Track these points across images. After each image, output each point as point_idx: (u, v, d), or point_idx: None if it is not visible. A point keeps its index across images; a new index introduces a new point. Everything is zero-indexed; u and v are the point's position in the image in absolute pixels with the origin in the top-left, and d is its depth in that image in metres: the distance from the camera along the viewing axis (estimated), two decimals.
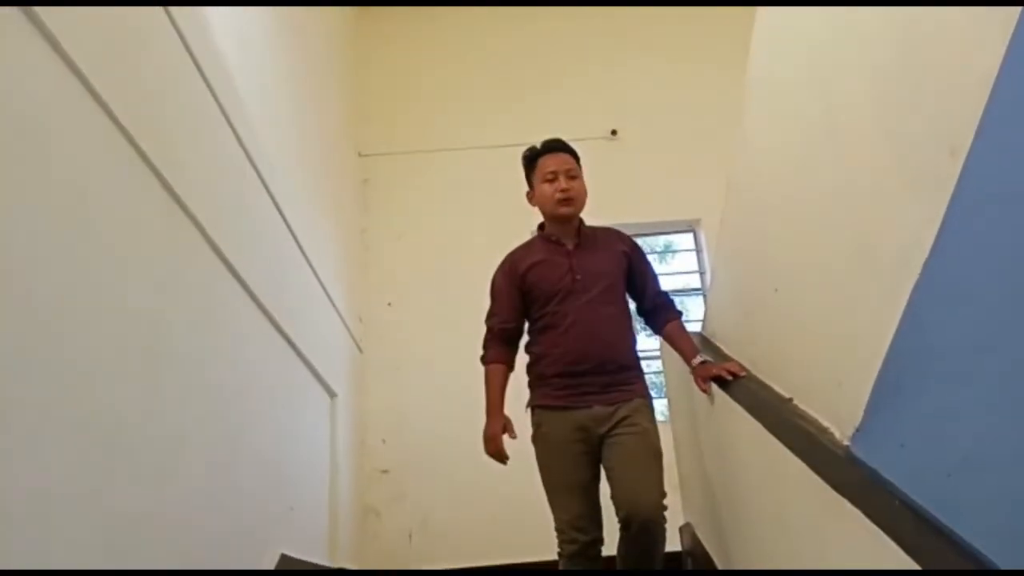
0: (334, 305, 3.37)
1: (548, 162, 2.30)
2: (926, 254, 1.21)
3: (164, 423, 1.64)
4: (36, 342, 1.20)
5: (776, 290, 1.93)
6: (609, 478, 2.11)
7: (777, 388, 1.92)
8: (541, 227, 2.40)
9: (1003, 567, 1.20)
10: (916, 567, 1.15)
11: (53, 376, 1.24)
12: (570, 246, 2.28)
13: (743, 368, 2.04)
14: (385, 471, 3.83)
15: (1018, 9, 0.97)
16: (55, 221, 1.29)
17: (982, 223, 1.17)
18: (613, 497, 2.06)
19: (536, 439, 2.21)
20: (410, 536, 3.73)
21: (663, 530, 2.04)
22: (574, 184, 2.28)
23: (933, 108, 1.16)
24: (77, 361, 1.31)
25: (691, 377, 2.34)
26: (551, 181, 2.27)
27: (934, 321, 1.31)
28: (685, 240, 4.38)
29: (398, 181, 4.39)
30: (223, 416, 1.99)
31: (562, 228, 2.31)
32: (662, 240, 4.55)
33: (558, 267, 2.23)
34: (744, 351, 2.21)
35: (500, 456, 2.20)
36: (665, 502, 2.06)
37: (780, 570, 1.70)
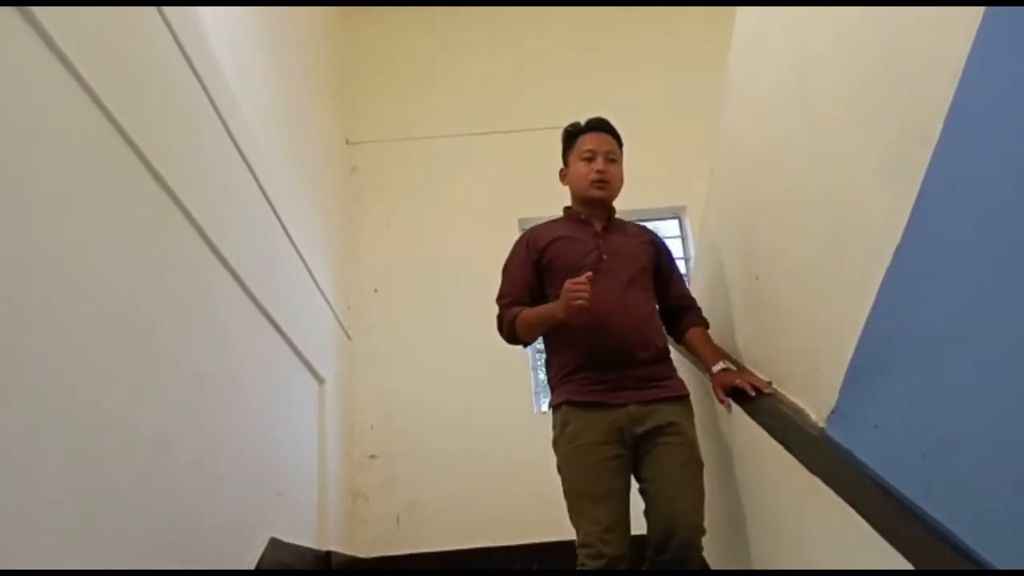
0: (322, 292, 3.38)
1: (588, 140, 2.16)
2: (897, 240, 1.25)
3: (153, 410, 1.66)
4: (25, 332, 1.22)
5: (757, 278, 1.97)
6: (644, 492, 1.92)
7: (758, 373, 1.97)
8: (568, 209, 2.23)
9: (972, 546, 1.23)
10: (885, 543, 1.19)
11: (43, 365, 1.26)
12: (599, 227, 2.13)
13: (767, 383, 1.84)
14: (373, 456, 3.86)
15: (982, 9, 1.00)
16: (44, 210, 1.31)
17: (951, 210, 1.20)
18: (648, 515, 1.89)
19: (560, 441, 1.96)
20: (398, 520, 3.77)
21: (699, 556, 1.88)
22: (611, 168, 2.14)
23: (905, 99, 1.19)
24: (66, 350, 1.33)
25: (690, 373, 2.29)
26: (588, 160, 2.12)
27: (906, 306, 1.35)
28: (671, 227, 4.42)
29: (386, 169, 4.39)
30: (212, 403, 2.01)
31: (592, 210, 2.15)
32: (650, 226, 4.58)
33: (584, 244, 2.07)
34: (726, 336, 2.25)
35: (583, 287, 1.82)
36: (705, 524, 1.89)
37: (781, 570, 1.71)
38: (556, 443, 1.97)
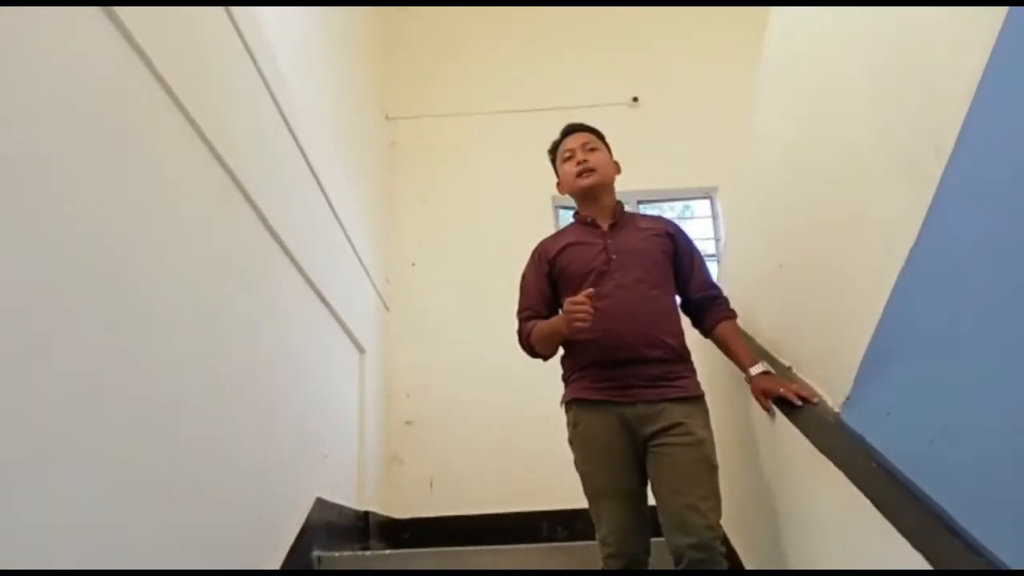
0: (363, 265, 3.53)
1: (566, 143, 2.19)
2: (912, 242, 1.34)
3: (217, 377, 1.82)
4: (119, 302, 1.38)
5: (780, 265, 2.06)
6: (655, 495, 1.85)
7: (778, 357, 2.06)
8: (577, 214, 2.21)
9: (973, 528, 1.31)
10: (888, 524, 1.30)
11: (131, 335, 1.42)
12: (605, 226, 2.10)
13: (814, 393, 1.75)
14: (409, 423, 4.03)
15: (999, 26, 1.07)
16: (129, 194, 1.45)
17: (963, 215, 1.29)
18: (660, 521, 1.82)
19: (574, 440, 1.96)
20: (431, 484, 3.95)
21: (721, 562, 1.75)
22: (592, 155, 2.12)
23: (922, 111, 1.27)
24: (153, 324, 1.49)
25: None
26: (570, 159, 2.15)
27: (919, 303, 1.44)
28: (702, 207, 4.48)
29: (423, 145, 4.50)
30: (269, 371, 2.18)
31: (594, 207, 2.13)
32: (679, 204, 4.64)
33: (591, 247, 2.05)
34: (750, 319, 2.34)
35: (584, 308, 1.80)
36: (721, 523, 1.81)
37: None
38: (571, 442, 1.97)
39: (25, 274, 1.14)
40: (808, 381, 1.87)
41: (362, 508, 3.20)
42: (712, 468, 1.84)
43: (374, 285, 3.78)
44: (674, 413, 1.86)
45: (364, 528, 3.18)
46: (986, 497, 1.81)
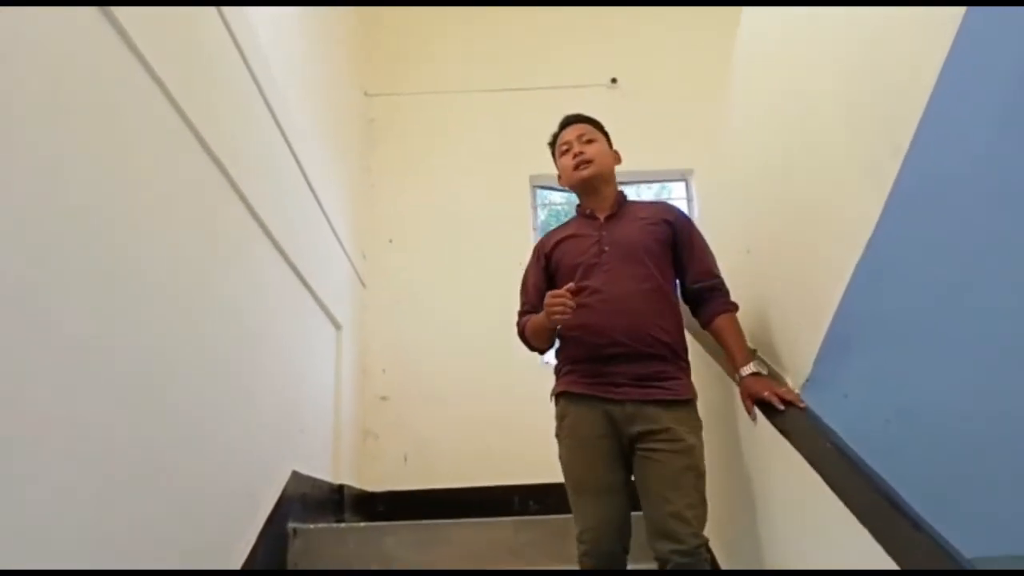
0: (340, 241, 3.54)
1: (563, 136, 2.14)
2: (869, 233, 1.41)
3: (204, 352, 1.86)
4: (106, 279, 1.41)
5: (748, 251, 2.13)
6: (641, 500, 1.83)
7: (749, 341, 2.13)
8: (579, 206, 2.16)
9: (921, 507, 1.38)
10: (838, 500, 1.37)
11: (115, 310, 1.45)
12: (602, 218, 2.05)
13: (800, 399, 1.73)
14: (384, 398, 4.08)
15: (953, 34, 1.13)
16: (120, 181, 1.48)
17: (917, 211, 1.35)
18: (646, 526, 1.80)
19: (560, 434, 1.93)
20: (405, 458, 4.01)
21: (705, 565, 1.74)
22: (589, 147, 2.07)
23: (884, 111, 1.33)
24: (138, 299, 1.52)
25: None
26: (567, 152, 2.10)
27: (875, 290, 1.52)
28: (677, 189, 4.55)
29: (402, 122, 4.50)
30: (248, 347, 2.21)
31: (594, 199, 2.09)
32: (656, 186, 4.70)
33: (585, 240, 2.01)
34: None
35: (561, 301, 1.79)
36: (706, 532, 1.78)
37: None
38: (557, 436, 1.94)
39: (13, 249, 1.17)
40: (772, 364, 1.94)
41: (337, 481, 3.25)
42: (700, 476, 1.80)
43: (351, 262, 3.81)
44: (663, 418, 1.81)
45: (339, 501, 3.24)
46: (936, 478, 1.91)
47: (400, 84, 4.53)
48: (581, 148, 2.07)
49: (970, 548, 2.39)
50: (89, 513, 1.35)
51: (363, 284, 4.11)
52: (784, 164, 1.86)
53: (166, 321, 1.67)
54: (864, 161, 1.41)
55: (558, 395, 1.96)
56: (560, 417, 1.94)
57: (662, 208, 2.12)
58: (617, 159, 2.15)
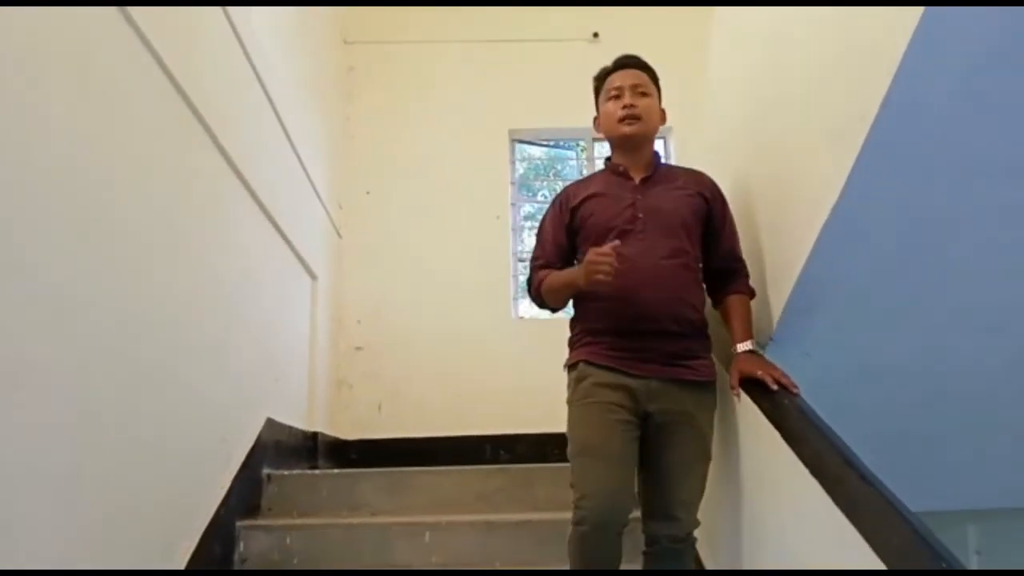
0: (316, 191, 3.52)
1: (615, 78, 1.94)
2: (836, 198, 1.45)
3: (179, 298, 1.87)
4: (85, 226, 1.41)
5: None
6: (648, 479, 1.78)
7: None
8: (608, 160, 2.01)
9: (873, 462, 1.44)
10: (792, 453, 1.44)
11: (96, 259, 1.46)
12: (637, 179, 1.90)
13: (795, 383, 1.66)
14: (359, 348, 4.11)
15: (920, 11, 1.15)
16: (96, 126, 1.47)
17: (882, 177, 1.40)
18: (644, 502, 1.78)
19: (574, 397, 1.80)
20: (379, 407, 4.06)
21: (692, 551, 1.79)
22: (642, 101, 1.90)
23: (853, 80, 1.36)
24: (114, 247, 1.53)
25: None
26: (616, 99, 1.91)
27: (839, 253, 1.57)
28: (656, 147, 4.55)
29: (382, 71, 4.43)
30: (222, 296, 2.22)
31: (630, 157, 1.93)
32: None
33: (618, 201, 1.86)
34: None
35: (609, 260, 1.65)
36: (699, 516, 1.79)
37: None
38: (569, 401, 1.82)
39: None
40: None
41: (311, 429, 3.29)
42: (708, 461, 1.79)
43: (327, 212, 3.79)
44: (686, 401, 1.75)
45: (313, 448, 3.29)
46: (889, 434, 2.00)
47: (380, 32, 4.45)
48: (633, 100, 1.89)
49: (917, 502, 2.52)
50: (66, 456, 1.38)
51: (339, 235, 4.10)
52: (757, 129, 1.89)
53: (139, 269, 1.68)
54: (832, 127, 1.44)
55: (576, 363, 1.83)
56: (577, 380, 1.80)
57: (699, 178, 1.96)
58: (663, 118, 1.99)
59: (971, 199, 1.42)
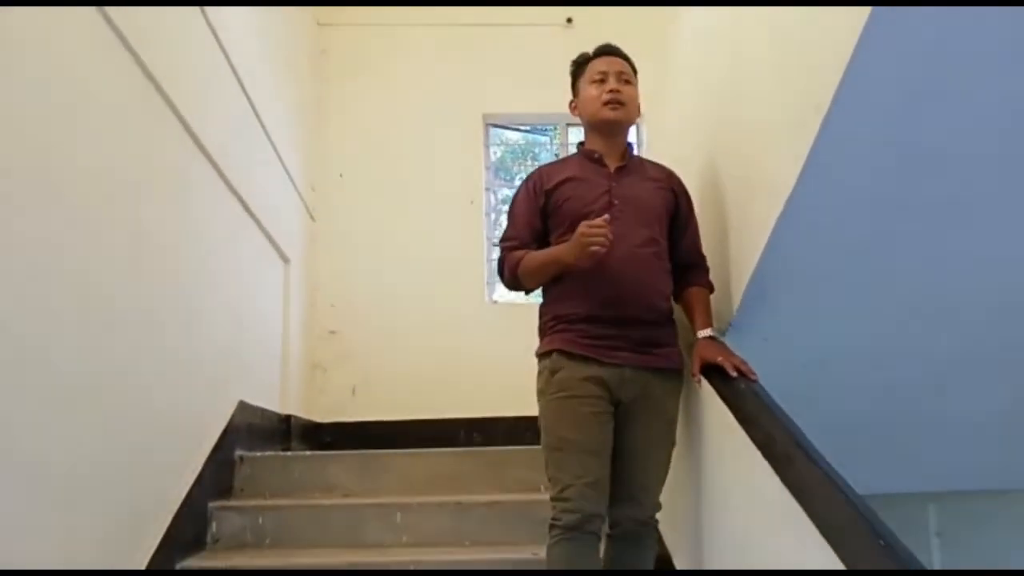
0: (288, 174, 3.52)
1: (599, 63, 1.94)
2: (791, 189, 1.49)
3: (143, 283, 1.88)
4: (51, 206, 1.42)
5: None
6: (616, 462, 1.77)
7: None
8: (581, 144, 2.01)
9: (826, 445, 1.49)
10: (746, 436, 1.49)
11: (59, 237, 1.47)
12: (612, 168, 1.91)
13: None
14: (333, 332, 4.12)
15: (869, 9, 1.19)
16: (65, 119, 1.47)
17: (834, 168, 1.44)
18: (616, 487, 1.77)
19: (547, 390, 1.79)
20: (353, 390, 4.08)
21: (653, 535, 1.84)
22: (626, 88, 1.91)
23: (808, 71, 1.40)
24: (78, 233, 1.54)
25: None
26: (600, 83, 1.91)
27: (795, 243, 1.62)
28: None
29: (356, 54, 4.41)
30: (194, 281, 2.24)
31: (607, 143, 1.94)
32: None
33: (594, 187, 1.87)
34: None
35: (602, 232, 1.66)
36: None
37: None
38: (542, 392, 1.81)
39: None
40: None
41: (284, 412, 3.32)
42: (672, 446, 1.84)
43: (300, 195, 3.79)
44: (655, 387, 1.79)
45: (286, 431, 3.31)
46: (848, 415, 2.07)
47: (354, 15, 4.42)
48: (618, 86, 1.90)
49: (878, 485, 2.61)
50: (37, 444, 1.40)
51: (312, 218, 4.10)
52: (719, 119, 1.93)
53: (104, 254, 1.69)
54: (790, 119, 1.48)
55: (548, 352, 1.82)
56: (550, 372, 1.79)
57: (670, 175, 2.00)
58: (638, 111, 2.00)
59: (921, 191, 1.47)
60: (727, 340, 1.85)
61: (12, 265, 1.34)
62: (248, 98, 2.81)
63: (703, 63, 2.09)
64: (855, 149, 1.40)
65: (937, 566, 2.98)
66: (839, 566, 1.10)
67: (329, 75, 4.39)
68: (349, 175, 4.31)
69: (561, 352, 1.79)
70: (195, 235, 2.26)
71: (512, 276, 1.90)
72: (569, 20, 4.48)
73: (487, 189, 4.44)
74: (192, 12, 2.26)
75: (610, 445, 1.76)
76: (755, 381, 1.67)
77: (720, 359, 1.73)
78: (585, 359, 1.76)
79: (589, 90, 1.93)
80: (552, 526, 1.69)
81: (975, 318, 1.86)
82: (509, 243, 1.93)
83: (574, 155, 2.02)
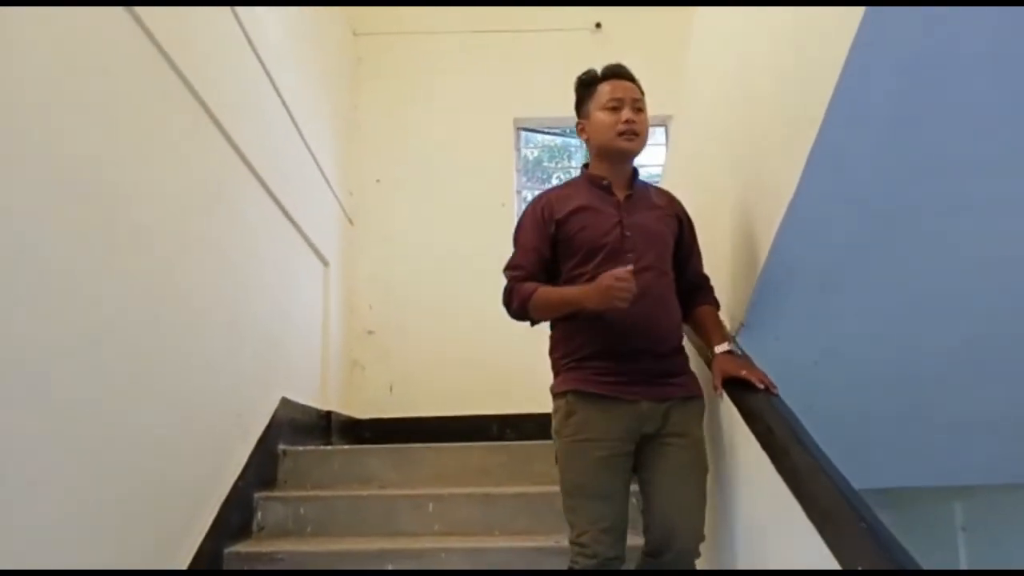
0: (327, 180, 3.68)
1: (611, 88, 1.88)
2: (791, 195, 1.57)
3: (193, 287, 2.04)
4: (108, 220, 1.57)
5: (701, 209, 2.29)
6: (645, 493, 1.77)
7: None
8: (586, 167, 1.97)
9: (829, 441, 1.56)
10: (747, 429, 1.58)
11: (113, 245, 1.62)
12: (621, 196, 1.87)
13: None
14: (371, 332, 4.28)
15: (856, 26, 1.27)
16: (112, 123, 1.63)
17: (832, 173, 1.52)
18: (645, 515, 1.76)
19: (562, 432, 1.77)
20: (391, 388, 4.24)
21: (693, 564, 1.76)
22: (640, 118, 1.87)
23: (803, 86, 1.48)
24: (132, 239, 1.69)
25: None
26: (614, 110, 1.85)
27: (798, 245, 1.69)
28: (659, 134, 4.65)
29: (390, 61, 4.57)
30: (237, 284, 2.39)
31: (615, 170, 1.90)
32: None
33: (606, 218, 1.83)
34: None
35: (629, 287, 1.62)
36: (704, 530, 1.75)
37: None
38: (558, 432, 1.79)
39: (26, 192, 1.33)
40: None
41: (325, 408, 3.48)
42: (705, 472, 1.78)
43: (338, 200, 3.95)
44: (677, 417, 1.75)
45: (326, 427, 3.47)
46: (859, 411, 2.13)
47: (388, 24, 4.57)
48: (634, 116, 1.85)
49: (901, 479, 2.64)
50: (97, 431, 1.55)
51: (350, 222, 4.26)
52: (726, 127, 2.01)
53: (156, 258, 1.85)
54: (788, 130, 1.56)
55: (564, 392, 1.79)
56: (566, 415, 1.76)
57: (671, 200, 1.99)
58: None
59: (915, 195, 1.53)
60: (739, 341, 1.93)
61: (75, 274, 1.49)
62: (288, 110, 2.96)
63: (716, 63, 2.17)
64: (852, 153, 1.47)
65: (963, 560, 3.01)
66: (824, 549, 1.18)
67: (364, 83, 4.55)
68: (385, 180, 4.46)
69: (576, 393, 1.76)
70: (239, 242, 2.41)
71: (521, 308, 1.83)
72: (598, 25, 4.56)
73: (518, 192, 4.55)
74: (233, 28, 2.41)
75: (626, 487, 1.75)
76: (776, 394, 1.66)
77: (744, 373, 1.72)
78: (601, 397, 1.73)
79: (602, 116, 1.87)
80: (571, 569, 1.71)
81: (982, 313, 1.90)
82: (516, 272, 1.87)
83: (579, 179, 1.97)
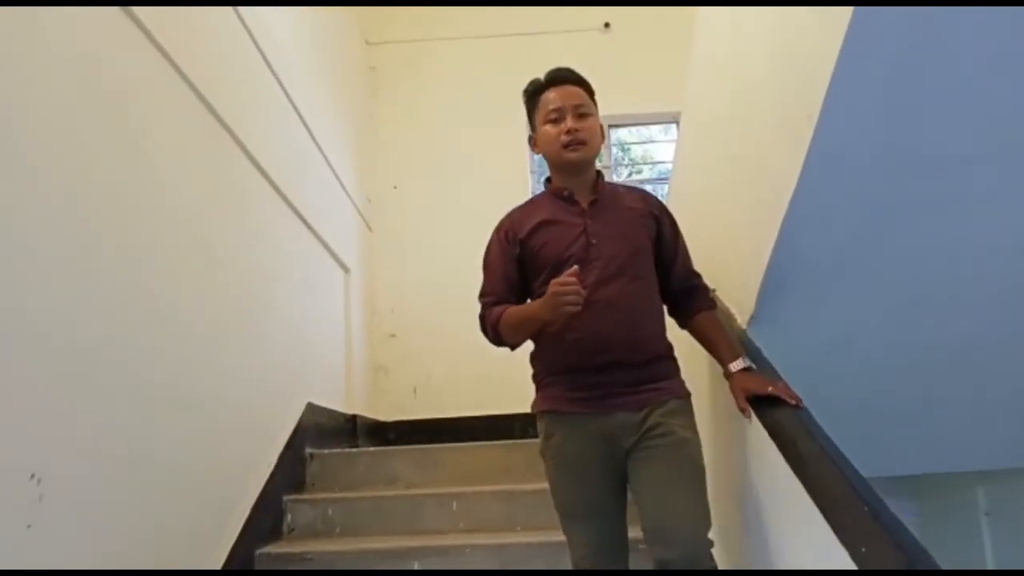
0: (344, 188, 3.76)
1: (551, 97, 1.81)
2: (792, 190, 1.61)
3: (216, 298, 2.12)
4: (127, 235, 1.65)
5: (706, 203, 2.33)
6: (636, 503, 1.66)
7: (707, 280, 2.36)
8: (548, 181, 1.90)
9: (846, 426, 1.60)
10: (757, 420, 1.62)
11: (147, 263, 1.70)
12: (584, 204, 1.80)
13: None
14: (393, 335, 4.36)
15: (849, 12, 1.30)
16: (131, 148, 1.70)
17: (831, 166, 1.55)
18: (644, 530, 1.64)
19: (545, 452, 1.75)
20: (414, 390, 4.31)
21: (712, 571, 1.61)
22: (584, 124, 1.78)
23: (800, 84, 1.51)
24: (155, 253, 1.77)
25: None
26: (555, 121, 1.79)
27: (801, 238, 1.73)
28: (670, 131, 4.68)
29: (404, 69, 4.65)
30: (262, 293, 2.47)
31: (574, 180, 1.82)
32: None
33: (569, 229, 1.76)
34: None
35: (575, 289, 1.55)
36: (711, 535, 1.62)
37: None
38: (542, 454, 1.76)
39: (54, 215, 1.41)
40: (726, 303, 2.17)
41: (350, 412, 3.55)
42: (698, 470, 1.65)
43: (356, 208, 4.03)
44: (656, 419, 1.66)
45: (352, 430, 3.55)
46: (868, 398, 2.16)
47: (400, 32, 4.65)
48: (576, 124, 1.77)
49: (923, 465, 2.66)
50: (127, 444, 1.63)
51: (369, 228, 4.34)
52: (728, 121, 2.05)
53: (180, 270, 1.92)
54: (787, 127, 1.60)
55: (541, 412, 1.77)
56: (546, 436, 1.74)
57: (647, 199, 1.91)
58: (602, 136, 1.87)
59: (914, 188, 1.56)
60: (750, 333, 1.96)
61: (103, 290, 1.57)
62: (306, 126, 3.04)
63: (715, 69, 2.20)
64: (851, 146, 1.50)
65: (987, 545, 3.01)
66: (830, 534, 1.22)
67: (379, 91, 4.63)
68: (402, 186, 4.54)
69: (551, 413, 1.73)
70: (264, 256, 2.49)
71: (494, 332, 1.79)
72: (606, 25, 4.60)
73: (533, 194, 4.60)
74: (247, 44, 2.48)
75: (617, 501, 1.71)
76: (801, 408, 1.59)
77: (771, 389, 1.64)
78: (575, 416, 1.69)
79: (546, 129, 1.81)
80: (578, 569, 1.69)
81: (995, 297, 1.92)
82: (487, 299, 1.83)
83: (542, 194, 1.91)
